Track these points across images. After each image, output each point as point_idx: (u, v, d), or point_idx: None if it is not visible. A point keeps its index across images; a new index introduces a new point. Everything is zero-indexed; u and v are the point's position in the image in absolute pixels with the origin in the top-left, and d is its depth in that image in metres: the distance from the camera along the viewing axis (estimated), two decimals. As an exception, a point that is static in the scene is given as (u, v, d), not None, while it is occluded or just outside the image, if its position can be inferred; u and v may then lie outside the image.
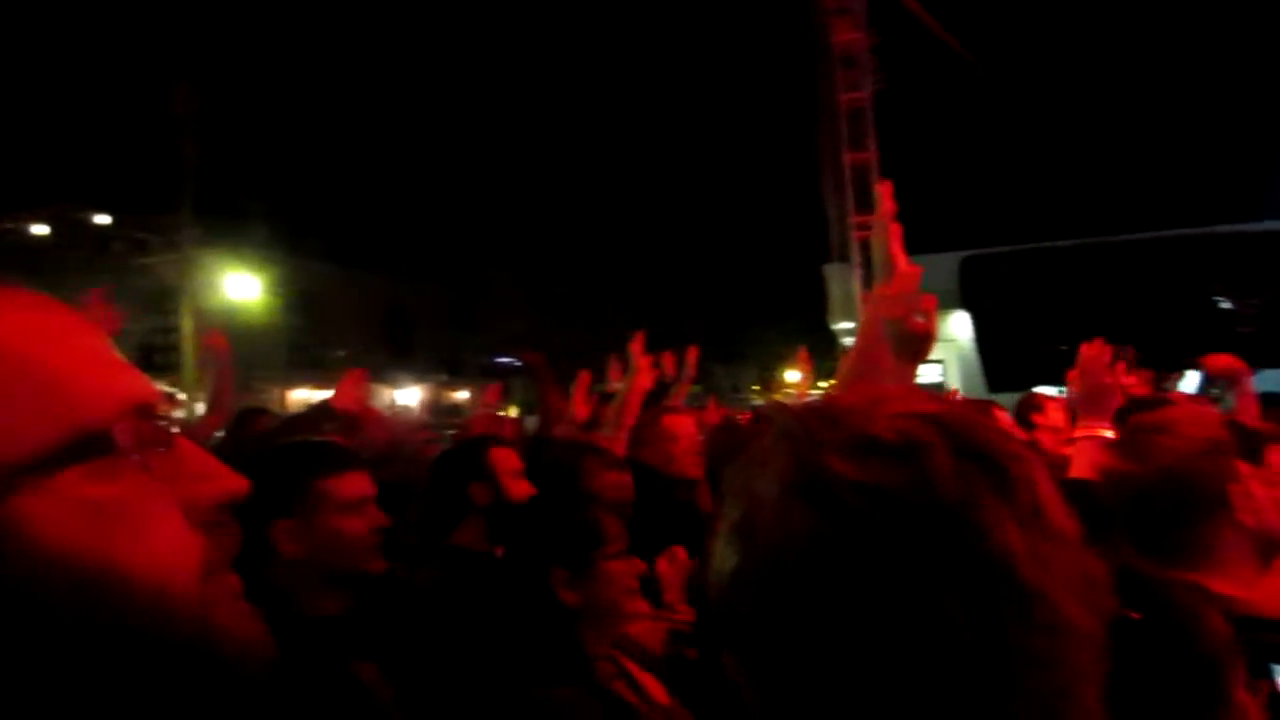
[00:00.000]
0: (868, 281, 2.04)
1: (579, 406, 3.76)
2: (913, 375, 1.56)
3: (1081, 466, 2.24)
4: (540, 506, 2.13)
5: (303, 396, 22.39)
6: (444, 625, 2.11)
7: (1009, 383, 9.56)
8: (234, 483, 0.56)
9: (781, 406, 0.68)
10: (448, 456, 2.86)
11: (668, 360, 4.51)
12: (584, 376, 3.85)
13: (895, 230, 1.53)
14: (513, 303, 32.64)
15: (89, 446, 0.49)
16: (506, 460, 2.68)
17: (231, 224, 25.77)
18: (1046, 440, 3.95)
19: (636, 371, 3.45)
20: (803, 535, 0.59)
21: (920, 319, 1.49)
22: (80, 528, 0.47)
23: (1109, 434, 2.28)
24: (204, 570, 0.52)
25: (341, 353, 29.60)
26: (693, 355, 4.49)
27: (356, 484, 1.82)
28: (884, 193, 1.57)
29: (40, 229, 33.37)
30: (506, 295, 33.34)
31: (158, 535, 0.50)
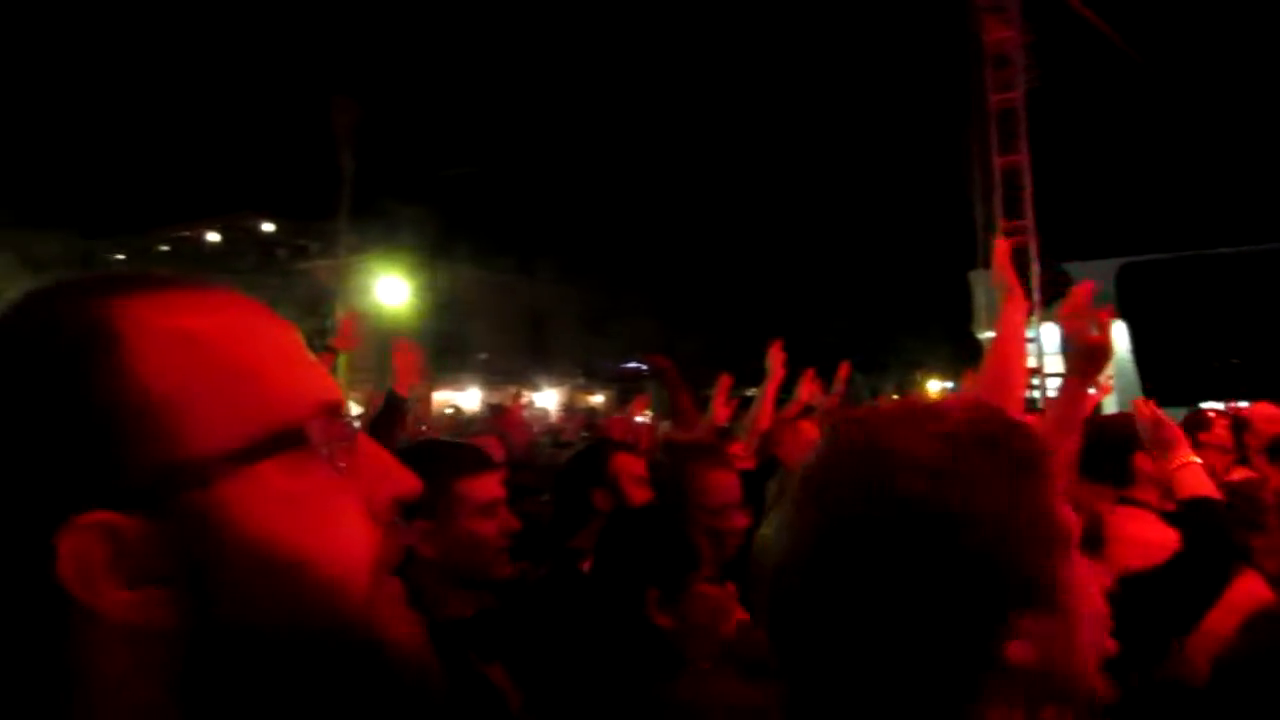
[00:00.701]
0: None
1: (719, 410, 3.77)
2: (1090, 387, 1.65)
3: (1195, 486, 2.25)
4: (638, 524, 2.08)
5: (445, 397, 23.18)
6: (556, 629, 2.11)
7: (1173, 397, 8.96)
8: (411, 482, 0.58)
9: (848, 417, 0.77)
10: (573, 461, 2.88)
11: (808, 380, 4.46)
12: (725, 381, 3.86)
13: (1002, 247, 1.63)
14: (649, 307, 32.90)
15: (284, 441, 0.51)
16: (629, 465, 2.67)
17: (386, 230, 27.04)
18: (1213, 460, 3.68)
19: (772, 376, 3.46)
20: (838, 535, 0.72)
21: (1096, 331, 1.53)
22: (273, 517, 0.50)
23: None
24: (379, 568, 0.54)
25: (483, 355, 30.57)
26: (844, 372, 4.49)
27: (491, 486, 1.84)
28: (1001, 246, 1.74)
29: (213, 236, 35.92)
30: (643, 300, 33.65)
31: (342, 530, 0.52)
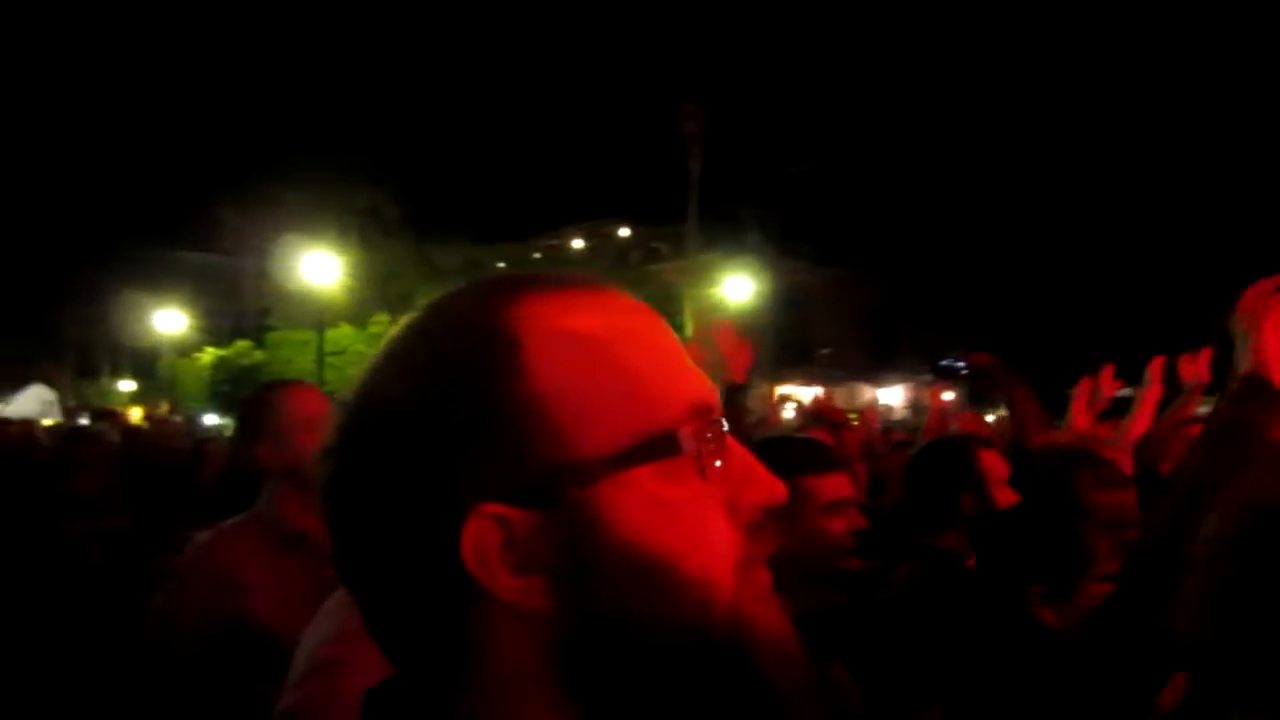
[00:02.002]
0: None
1: (1079, 416, 3.38)
2: None
3: None
4: (1025, 518, 1.96)
5: (788, 392, 23.41)
6: (916, 628, 2.04)
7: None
8: (779, 489, 0.58)
9: None
10: (930, 458, 2.71)
11: (1185, 363, 3.83)
12: (1086, 383, 3.45)
13: None
14: (999, 301, 30.79)
15: (659, 447, 0.52)
16: (994, 466, 2.50)
17: (730, 231, 27.88)
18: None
19: (1152, 378, 3.02)
20: None
21: None
22: (644, 519, 0.51)
23: None
24: (742, 571, 0.54)
25: (826, 351, 30.46)
26: (1206, 357, 3.77)
27: (840, 485, 1.82)
28: None
29: (578, 243, 39.20)
30: (994, 293, 31.58)
31: (708, 535, 0.53)
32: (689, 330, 21.53)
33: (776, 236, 28.60)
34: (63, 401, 20.50)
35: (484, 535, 0.50)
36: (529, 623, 0.51)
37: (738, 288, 25.48)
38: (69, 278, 32.47)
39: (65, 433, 6.12)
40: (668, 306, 29.18)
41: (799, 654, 0.56)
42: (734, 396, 3.42)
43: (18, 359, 34.75)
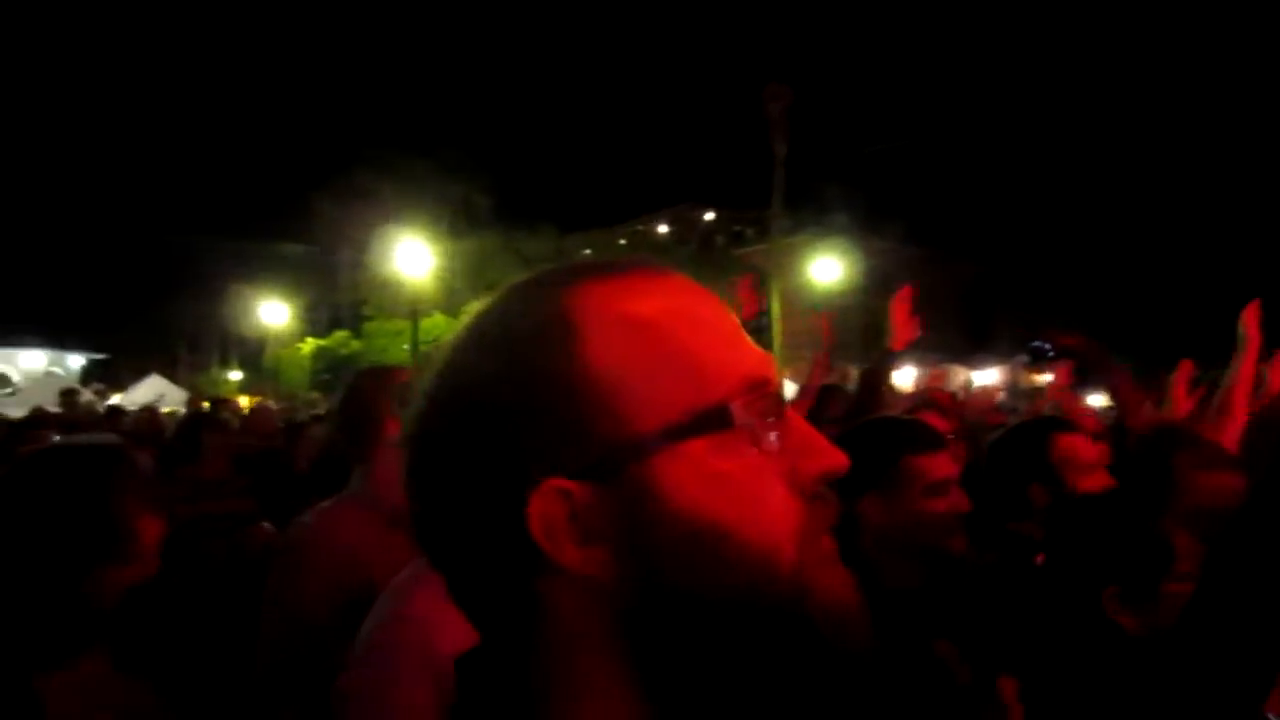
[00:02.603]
0: None
1: (1179, 401, 3.19)
2: None
3: None
4: (1102, 510, 1.88)
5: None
6: (1002, 613, 2.01)
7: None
8: (837, 459, 0.59)
9: None
10: (1005, 443, 2.59)
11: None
12: (1186, 365, 3.26)
13: None
14: (1097, 281, 29.56)
15: (713, 420, 0.54)
16: (1078, 451, 2.37)
17: (817, 211, 27.47)
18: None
19: (1248, 347, 2.79)
20: None
21: None
22: (700, 491, 0.53)
23: None
24: (803, 539, 0.56)
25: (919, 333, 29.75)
26: None
27: (943, 465, 1.83)
28: None
29: (663, 228, 39.22)
30: (1091, 273, 30.33)
31: (766, 508, 0.55)
32: (775, 313, 21.34)
33: (865, 216, 28.06)
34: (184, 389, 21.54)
35: (549, 509, 0.53)
36: (593, 591, 0.54)
37: (826, 269, 25.08)
38: (181, 273, 34.05)
39: (189, 419, 6.47)
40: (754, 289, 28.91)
41: (861, 622, 0.58)
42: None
43: (136, 351, 36.67)
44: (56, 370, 31.11)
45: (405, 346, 25.95)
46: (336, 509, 2.01)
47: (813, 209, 27.51)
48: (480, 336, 0.59)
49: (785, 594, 0.54)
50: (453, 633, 1.21)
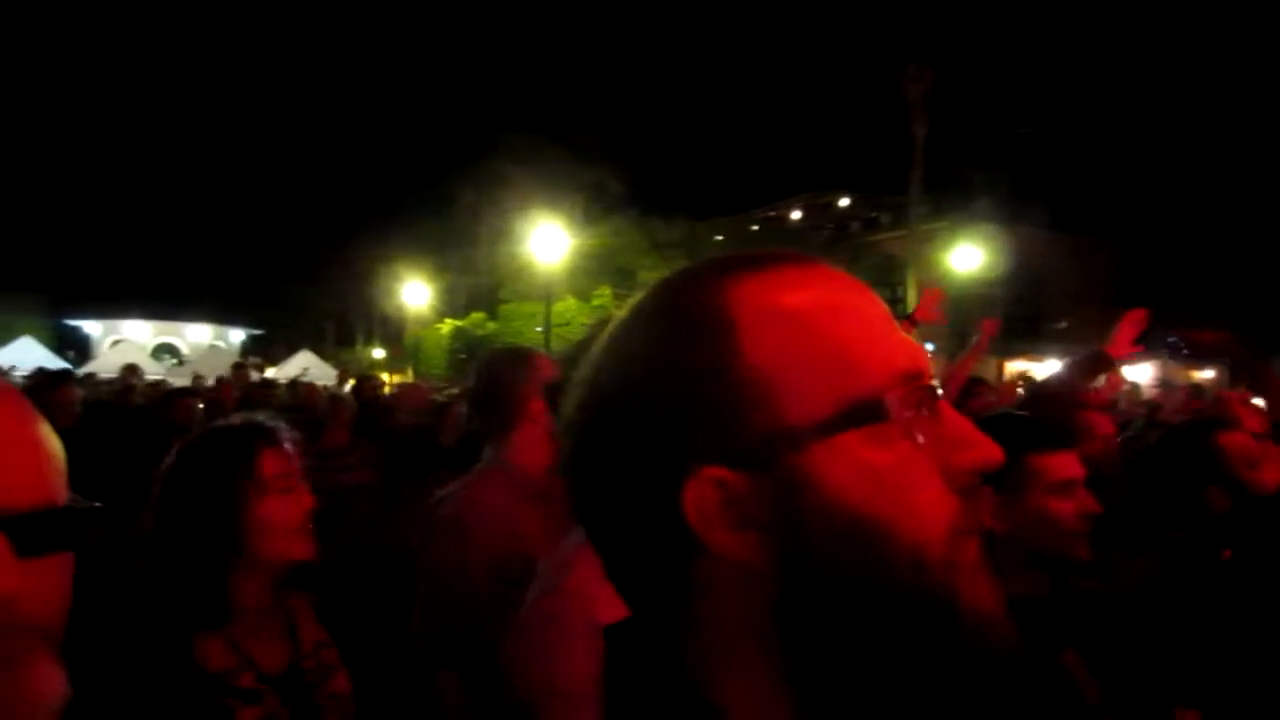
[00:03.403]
0: None
1: None
2: None
3: None
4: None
5: (1019, 368, 22.00)
6: (1159, 625, 1.90)
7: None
8: (991, 451, 0.59)
9: None
10: (1171, 446, 2.48)
11: None
12: None
13: None
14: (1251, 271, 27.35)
15: (867, 412, 0.55)
16: (1243, 450, 2.28)
17: (957, 197, 26.50)
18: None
19: None
20: None
21: None
22: (853, 482, 0.54)
23: None
24: (954, 533, 0.56)
25: (1062, 324, 28.37)
26: None
27: (1068, 465, 1.73)
28: None
29: (797, 214, 38.67)
30: (1246, 262, 28.09)
31: (918, 498, 0.55)
32: (911, 301, 20.74)
33: (1007, 202, 26.85)
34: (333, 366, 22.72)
35: (704, 495, 0.55)
36: (743, 575, 0.56)
37: (965, 257, 24.16)
38: (332, 256, 35.89)
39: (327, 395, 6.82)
40: (890, 277, 28.18)
41: (1008, 627, 0.57)
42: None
43: (289, 328, 38.95)
44: (219, 344, 33.34)
45: (538, 329, 26.55)
46: (482, 482, 2.10)
47: (953, 194, 26.55)
48: (638, 329, 0.61)
49: (934, 588, 0.54)
50: (610, 605, 1.28)
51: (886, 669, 0.55)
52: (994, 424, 1.88)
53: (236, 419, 1.62)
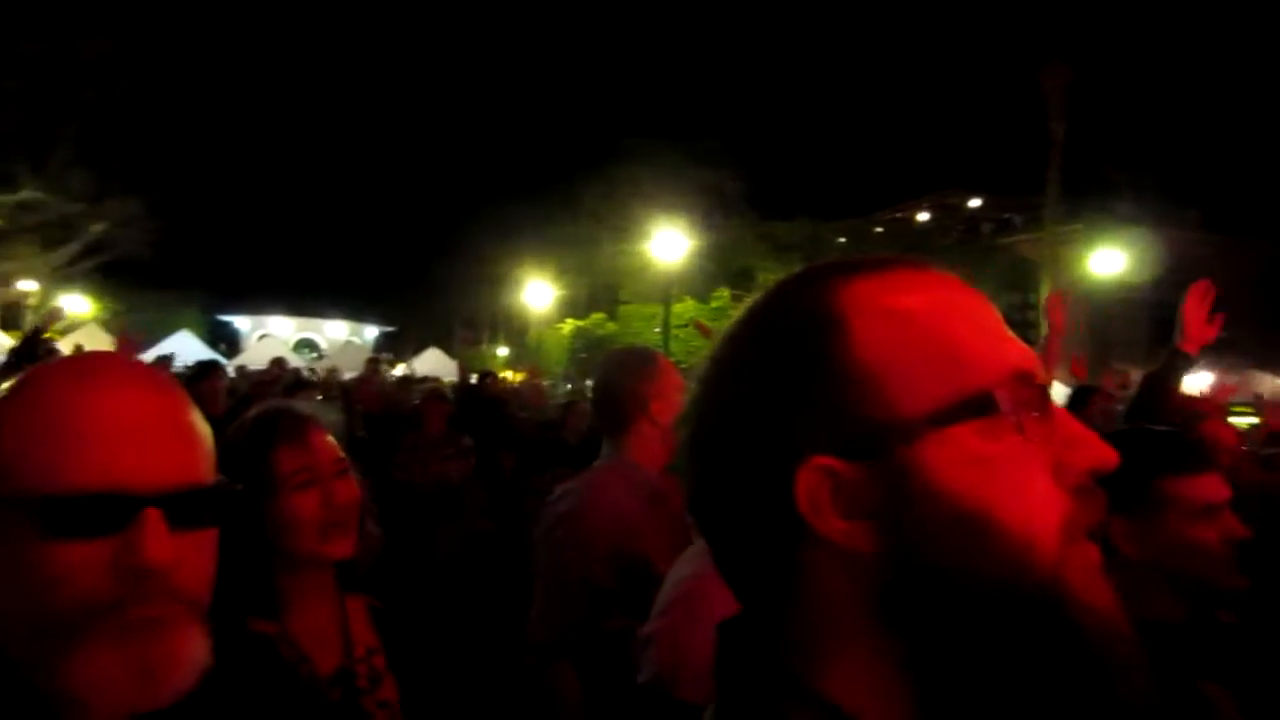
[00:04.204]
0: None
1: None
2: None
3: None
4: None
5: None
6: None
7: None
8: (1106, 453, 0.58)
9: None
10: None
11: None
12: None
13: None
14: None
15: (976, 407, 0.56)
16: None
17: (1096, 198, 25.25)
18: None
19: None
20: None
21: None
22: (963, 475, 0.55)
23: None
24: (1066, 532, 0.55)
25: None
26: None
27: (1210, 487, 1.60)
28: None
29: (923, 216, 37.63)
30: None
31: (1029, 494, 0.55)
32: (1043, 307, 19.83)
33: (1152, 202, 25.37)
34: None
35: (815, 484, 0.57)
36: (853, 563, 0.57)
37: (1107, 260, 22.96)
38: (460, 257, 37.10)
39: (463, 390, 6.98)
40: (1022, 281, 27.10)
41: (1128, 636, 0.56)
42: (1084, 394, 2.99)
43: (419, 326, 40.52)
44: (355, 340, 35.05)
45: (657, 329, 26.72)
46: (600, 480, 2.15)
47: (1092, 195, 25.29)
48: (752, 327, 0.64)
49: (1043, 584, 0.54)
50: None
51: (993, 661, 0.55)
52: (1124, 440, 1.75)
53: (264, 407, 1.54)
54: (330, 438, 1.49)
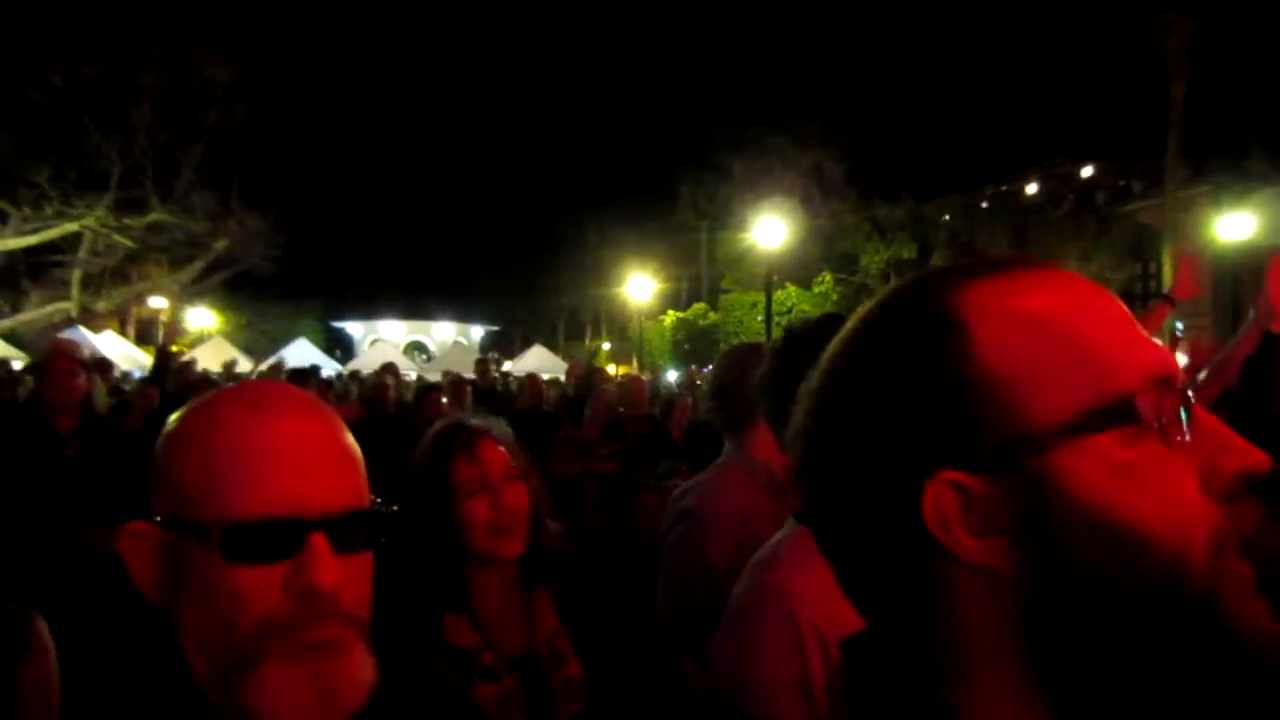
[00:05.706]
0: None
1: None
2: None
3: None
4: None
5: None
6: None
7: None
8: (1257, 457, 0.55)
9: None
10: None
11: None
12: None
13: None
14: None
15: (1115, 414, 0.53)
16: None
17: (1221, 160, 23.79)
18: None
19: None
20: None
21: None
22: (1103, 485, 0.52)
23: None
24: (1216, 541, 0.53)
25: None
26: None
27: None
28: None
29: (1032, 188, 36.13)
30: None
31: (1174, 501, 0.52)
32: (1167, 275, 18.85)
33: (1284, 161, 23.67)
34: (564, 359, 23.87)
35: (943, 500, 0.55)
36: (990, 581, 0.55)
37: (1236, 225, 21.57)
38: (562, 255, 37.65)
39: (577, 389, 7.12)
40: (1142, 251, 25.79)
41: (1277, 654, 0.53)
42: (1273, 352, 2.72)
43: (524, 324, 41.35)
44: (462, 340, 35.94)
45: (759, 318, 26.54)
46: (724, 477, 2.16)
47: (1216, 157, 23.83)
48: (868, 337, 0.61)
49: (1195, 595, 0.52)
50: (809, 602, 1.30)
51: (1144, 681, 0.53)
52: (1259, 425, 1.66)
53: (443, 424, 1.71)
54: (502, 448, 1.63)
